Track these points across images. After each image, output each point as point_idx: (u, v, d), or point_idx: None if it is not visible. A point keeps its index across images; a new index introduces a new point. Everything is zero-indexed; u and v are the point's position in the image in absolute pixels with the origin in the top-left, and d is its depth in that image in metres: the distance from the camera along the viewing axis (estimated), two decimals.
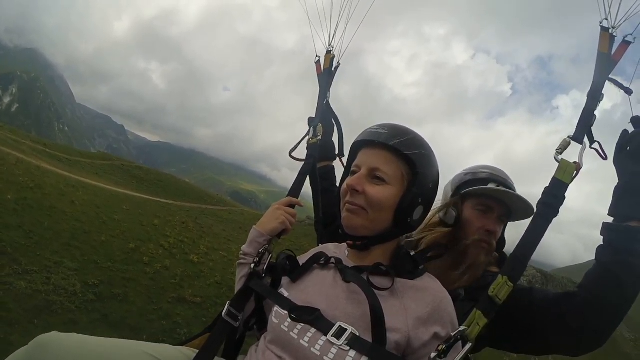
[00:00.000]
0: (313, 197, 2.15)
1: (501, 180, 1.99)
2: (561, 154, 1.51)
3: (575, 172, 1.46)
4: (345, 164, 1.93)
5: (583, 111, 1.55)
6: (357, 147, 1.59)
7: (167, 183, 43.12)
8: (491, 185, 1.96)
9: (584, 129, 1.53)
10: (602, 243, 1.54)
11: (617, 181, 1.57)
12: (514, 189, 1.98)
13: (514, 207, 1.95)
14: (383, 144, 1.45)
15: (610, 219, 1.54)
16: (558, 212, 1.44)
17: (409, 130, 1.50)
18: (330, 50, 2.35)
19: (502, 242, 2.09)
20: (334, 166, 2.46)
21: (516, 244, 1.49)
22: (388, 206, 1.44)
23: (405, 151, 1.44)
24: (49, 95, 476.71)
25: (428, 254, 1.64)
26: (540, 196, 1.48)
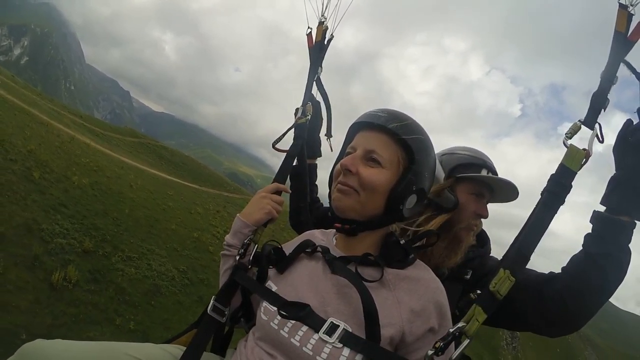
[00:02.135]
0: (295, 181, 2.11)
1: (491, 166, 2.00)
2: (570, 138, 1.43)
3: (584, 159, 1.38)
4: (333, 147, 2.02)
5: (596, 94, 1.46)
6: (354, 129, 1.53)
7: (190, 166, 44.20)
8: (484, 172, 1.97)
9: (596, 113, 1.45)
10: (590, 232, 1.50)
11: (614, 171, 1.51)
12: (497, 172, 2.01)
13: (498, 191, 1.98)
14: (381, 127, 1.41)
15: (602, 208, 1.49)
16: (564, 201, 1.38)
17: (408, 117, 1.45)
18: (323, 22, 2.18)
19: None
20: (316, 164, 2.37)
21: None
22: (381, 190, 1.38)
23: (403, 135, 1.39)
24: (59, 52, 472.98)
25: (418, 242, 1.50)
26: (546, 183, 1.41)
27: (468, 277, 1.83)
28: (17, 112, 21.26)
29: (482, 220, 2.01)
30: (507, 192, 1.96)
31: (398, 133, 1.38)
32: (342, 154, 1.56)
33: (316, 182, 2.37)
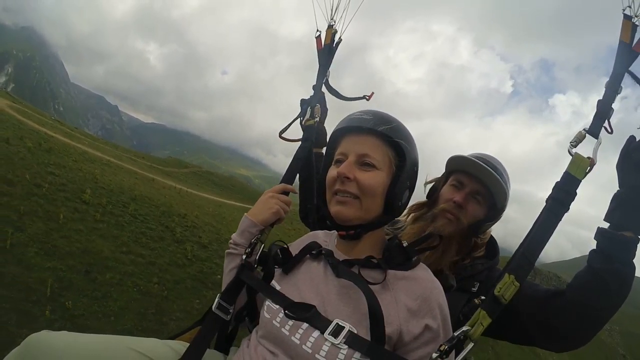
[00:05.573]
0: (304, 184, 2.07)
1: (484, 160, 1.94)
2: (575, 147, 1.41)
3: (588, 167, 1.37)
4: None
5: (601, 103, 1.45)
6: (339, 134, 1.49)
7: (238, 187, 46.90)
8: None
9: (601, 122, 1.44)
10: (595, 248, 1.50)
11: (618, 187, 1.51)
12: (499, 173, 1.92)
13: (493, 188, 1.93)
14: (371, 130, 1.39)
15: (605, 224, 1.49)
16: (569, 208, 1.37)
17: (392, 117, 1.44)
18: (332, 25, 2.18)
19: (479, 230, 1.97)
20: (322, 153, 2.21)
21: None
22: (379, 192, 1.38)
23: (394, 138, 1.39)
24: (44, 75, 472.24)
25: (420, 245, 1.47)
26: (551, 191, 1.40)
27: (475, 289, 1.79)
28: (125, 173, 22.36)
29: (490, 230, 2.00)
30: (483, 173, 1.92)
31: (390, 136, 1.38)
32: (329, 160, 1.53)
33: None
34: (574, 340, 1.57)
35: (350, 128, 1.44)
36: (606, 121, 1.45)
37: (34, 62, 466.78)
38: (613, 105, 1.46)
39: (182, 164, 50.67)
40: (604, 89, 1.48)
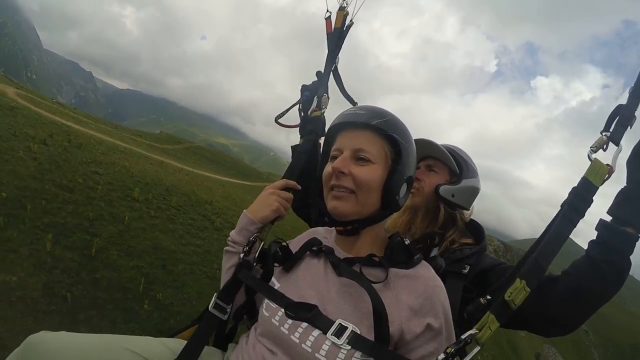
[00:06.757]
0: (305, 173, 1.90)
1: (449, 150, 2.08)
2: (595, 152, 1.40)
3: (607, 175, 1.37)
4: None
5: (624, 109, 1.42)
6: (334, 131, 1.48)
7: (230, 163, 48.04)
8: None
9: (623, 129, 1.41)
10: (595, 239, 1.49)
11: (625, 182, 1.46)
12: (458, 158, 2.09)
13: (439, 156, 2.06)
14: (365, 124, 1.38)
15: (608, 217, 1.47)
16: (584, 214, 1.37)
17: (387, 111, 1.43)
18: (344, 7, 2.08)
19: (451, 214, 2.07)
20: (320, 143, 2.09)
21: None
22: (376, 186, 1.37)
23: (389, 132, 1.37)
24: (16, 42, 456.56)
25: (421, 243, 1.47)
26: (567, 196, 1.41)
27: (465, 271, 1.83)
28: (142, 159, 22.37)
29: (468, 212, 2.11)
30: (422, 147, 2.00)
31: (384, 129, 1.37)
32: (325, 157, 1.53)
33: None
34: (570, 326, 1.59)
35: (345, 124, 1.43)
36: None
37: (6, 29, 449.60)
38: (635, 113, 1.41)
39: (174, 139, 50.87)
40: (628, 94, 1.44)
